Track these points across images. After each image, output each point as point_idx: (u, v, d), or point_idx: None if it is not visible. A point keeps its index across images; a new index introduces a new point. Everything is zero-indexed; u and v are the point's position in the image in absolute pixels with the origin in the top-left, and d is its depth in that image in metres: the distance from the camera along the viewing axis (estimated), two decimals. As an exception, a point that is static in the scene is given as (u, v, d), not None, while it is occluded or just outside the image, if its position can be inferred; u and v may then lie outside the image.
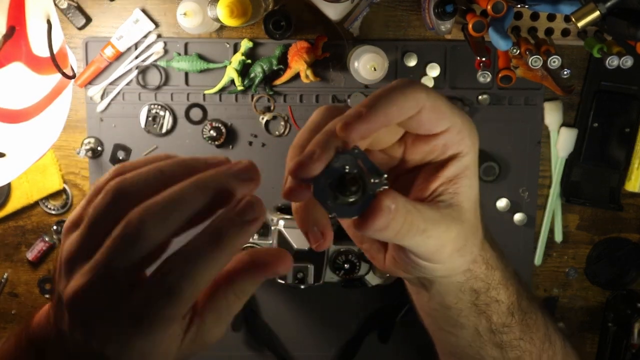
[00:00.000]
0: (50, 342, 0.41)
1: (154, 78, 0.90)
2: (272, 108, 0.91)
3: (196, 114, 0.91)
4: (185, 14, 0.81)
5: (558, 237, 0.94)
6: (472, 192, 0.43)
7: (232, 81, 0.88)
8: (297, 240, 0.82)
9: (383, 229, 0.37)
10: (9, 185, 0.91)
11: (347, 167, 0.36)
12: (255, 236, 0.86)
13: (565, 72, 0.76)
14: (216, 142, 0.90)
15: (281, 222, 0.83)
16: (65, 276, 0.38)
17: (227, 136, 0.90)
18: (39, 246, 0.93)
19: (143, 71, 0.89)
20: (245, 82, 0.88)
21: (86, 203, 0.40)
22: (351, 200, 0.35)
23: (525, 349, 0.57)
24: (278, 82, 0.89)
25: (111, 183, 0.37)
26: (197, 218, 0.37)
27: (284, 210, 0.84)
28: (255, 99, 0.90)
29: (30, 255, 0.94)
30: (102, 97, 0.89)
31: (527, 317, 0.56)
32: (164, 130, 0.90)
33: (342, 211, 0.36)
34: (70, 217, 0.40)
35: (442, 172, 0.42)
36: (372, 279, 0.86)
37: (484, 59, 0.76)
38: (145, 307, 0.36)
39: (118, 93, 0.90)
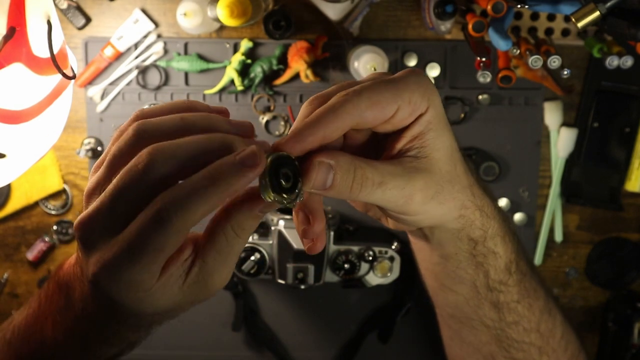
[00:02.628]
0: (75, 278, 0.44)
1: (154, 78, 0.90)
2: (272, 108, 0.91)
3: (196, 114, 0.91)
4: (185, 14, 0.81)
5: (558, 237, 0.94)
6: (441, 142, 0.44)
7: (232, 81, 0.88)
8: (297, 240, 0.83)
9: (329, 185, 0.41)
10: (9, 186, 0.91)
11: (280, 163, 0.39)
12: (255, 236, 0.86)
13: (565, 72, 0.76)
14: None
15: (281, 222, 0.83)
16: (85, 208, 0.40)
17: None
18: (39, 246, 0.93)
19: (143, 71, 0.89)
20: (245, 82, 0.88)
21: (110, 146, 0.41)
22: (289, 185, 0.39)
23: (523, 314, 0.58)
24: (278, 82, 0.89)
25: (134, 124, 0.39)
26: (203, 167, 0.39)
27: (284, 210, 0.85)
28: (255, 99, 0.90)
29: (30, 255, 0.94)
30: (102, 97, 0.89)
31: (526, 280, 0.57)
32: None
33: (288, 200, 0.39)
34: (97, 161, 0.42)
35: (406, 132, 0.44)
36: (372, 279, 0.87)
37: (484, 59, 0.76)
38: (136, 235, 0.37)
39: (118, 93, 0.90)
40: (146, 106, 0.89)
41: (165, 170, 0.37)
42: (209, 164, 0.38)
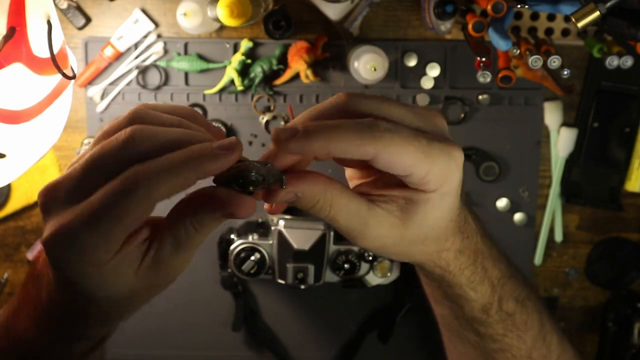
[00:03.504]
0: (44, 266, 0.43)
1: (154, 78, 0.90)
2: (272, 108, 0.91)
3: (196, 114, 0.91)
4: (185, 14, 0.81)
5: (558, 237, 0.94)
6: (433, 216, 0.43)
7: (232, 81, 0.88)
8: (297, 240, 0.83)
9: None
10: (9, 186, 0.91)
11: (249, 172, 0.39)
12: (256, 236, 0.86)
13: (565, 72, 0.76)
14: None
15: (281, 222, 0.83)
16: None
17: (227, 136, 0.90)
18: (39, 246, 0.93)
19: (143, 71, 0.89)
20: (245, 82, 0.88)
21: (101, 135, 0.40)
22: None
23: (511, 344, 0.58)
24: (278, 82, 0.89)
25: (133, 108, 0.40)
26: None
27: (284, 210, 0.84)
28: (255, 99, 0.90)
29: (31, 255, 0.94)
30: (102, 97, 0.89)
31: (514, 317, 0.56)
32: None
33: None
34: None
35: (402, 191, 0.42)
36: (372, 279, 0.86)
37: (484, 59, 0.76)
38: (98, 201, 0.36)
39: (118, 93, 0.90)
40: (153, 102, 0.89)
41: (142, 148, 0.37)
42: None
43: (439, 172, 0.40)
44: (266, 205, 0.43)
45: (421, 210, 0.42)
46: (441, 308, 0.62)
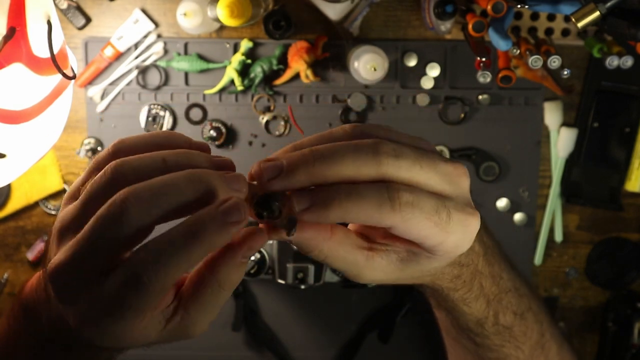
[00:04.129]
0: (40, 305, 0.42)
1: (154, 78, 0.90)
2: (272, 108, 0.91)
3: (196, 114, 0.91)
4: (185, 14, 0.81)
5: (558, 237, 0.94)
6: (424, 269, 0.42)
7: (232, 81, 0.88)
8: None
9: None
10: (9, 186, 0.91)
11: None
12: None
13: (565, 72, 0.76)
14: (216, 142, 0.90)
15: (281, 222, 0.83)
16: (56, 245, 0.38)
17: (227, 136, 0.90)
18: (39, 246, 0.93)
19: (143, 71, 0.89)
20: (245, 82, 0.88)
21: (85, 177, 0.40)
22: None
23: (508, 354, 0.58)
24: (278, 82, 0.89)
25: (112, 163, 0.38)
26: (183, 211, 0.37)
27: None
28: (255, 99, 0.90)
29: (31, 255, 0.94)
30: (102, 97, 0.89)
31: (511, 330, 0.56)
32: (164, 130, 0.90)
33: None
34: (69, 189, 0.41)
35: (406, 245, 0.41)
36: (372, 279, 0.86)
37: (484, 59, 0.76)
38: (114, 294, 0.36)
39: (118, 93, 0.90)
40: (145, 107, 0.89)
41: (140, 220, 0.36)
42: (189, 210, 0.36)
43: (451, 244, 0.39)
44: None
45: (421, 263, 0.41)
46: (439, 313, 0.62)
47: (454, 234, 0.39)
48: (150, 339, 0.40)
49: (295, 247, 0.40)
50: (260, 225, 0.39)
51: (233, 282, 0.39)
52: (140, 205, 0.35)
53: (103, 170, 0.37)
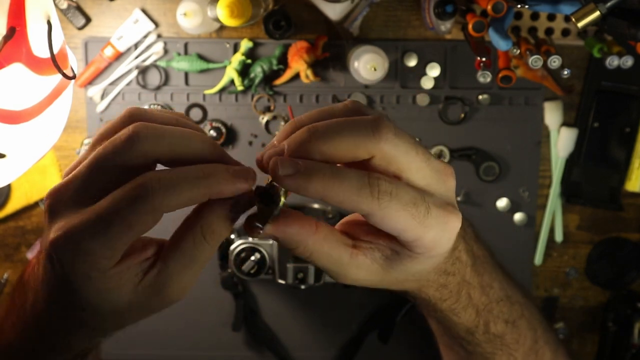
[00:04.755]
0: (33, 277, 0.42)
1: (154, 78, 0.90)
2: (272, 108, 0.91)
3: (196, 114, 0.91)
4: (185, 14, 0.81)
5: (558, 237, 0.94)
6: (407, 270, 0.42)
7: (232, 81, 0.88)
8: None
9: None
10: (9, 186, 0.91)
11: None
12: (256, 236, 0.86)
13: (565, 72, 0.76)
14: (216, 142, 0.90)
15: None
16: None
17: (227, 136, 0.90)
18: (39, 247, 0.93)
19: (143, 71, 0.89)
20: (245, 82, 0.88)
21: (92, 145, 0.39)
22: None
23: None
24: (278, 82, 0.89)
25: (129, 107, 0.39)
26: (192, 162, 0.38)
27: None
28: (255, 99, 0.90)
29: (31, 255, 0.94)
30: (102, 97, 0.89)
31: (503, 338, 0.56)
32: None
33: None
34: (70, 166, 0.40)
35: (390, 242, 0.41)
36: (372, 279, 0.86)
37: (484, 59, 0.76)
38: (108, 206, 0.35)
39: (118, 93, 0.90)
40: (146, 106, 0.89)
41: (148, 147, 0.36)
42: (196, 161, 0.37)
43: (429, 241, 0.39)
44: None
45: (404, 263, 0.41)
46: (431, 322, 0.62)
47: (432, 230, 0.39)
48: (125, 293, 0.39)
49: (282, 245, 0.40)
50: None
51: (216, 234, 0.39)
52: (149, 137, 0.36)
53: (125, 129, 0.37)
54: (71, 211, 0.37)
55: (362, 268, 0.41)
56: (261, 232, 0.39)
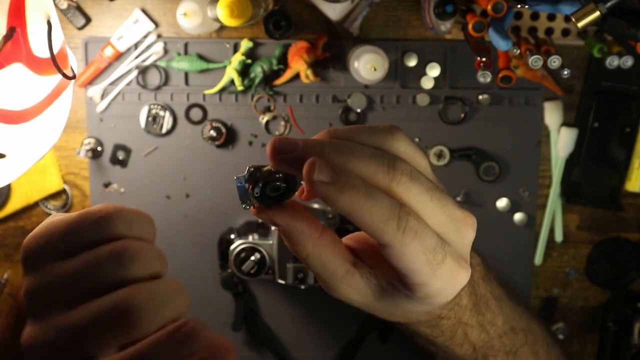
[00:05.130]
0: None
1: (154, 78, 0.90)
2: (272, 108, 0.91)
3: (196, 114, 0.91)
4: (185, 14, 0.81)
5: (558, 237, 0.94)
6: (397, 307, 0.41)
7: (232, 81, 0.88)
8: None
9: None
10: (9, 186, 0.91)
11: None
12: (256, 236, 0.86)
13: (565, 72, 0.76)
14: (216, 142, 0.90)
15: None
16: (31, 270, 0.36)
17: (227, 136, 0.90)
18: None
19: (143, 71, 0.89)
20: (245, 82, 0.88)
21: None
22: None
23: None
24: (278, 82, 0.89)
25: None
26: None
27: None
28: (255, 99, 0.90)
29: (31, 255, 0.94)
30: (102, 97, 0.89)
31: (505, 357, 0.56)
32: (164, 130, 0.90)
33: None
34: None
35: (390, 274, 0.40)
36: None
37: (484, 59, 0.76)
38: (85, 323, 0.34)
39: (118, 93, 0.90)
40: (145, 107, 0.89)
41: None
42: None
43: (433, 290, 0.38)
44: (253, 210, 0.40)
45: (396, 300, 0.40)
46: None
47: (440, 280, 0.37)
48: None
49: (282, 235, 0.39)
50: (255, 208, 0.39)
51: None
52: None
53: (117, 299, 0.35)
54: (48, 317, 0.35)
55: (354, 288, 0.40)
56: (266, 214, 0.38)
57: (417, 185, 0.37)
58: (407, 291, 0.39)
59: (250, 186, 0.38)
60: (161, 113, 0.90)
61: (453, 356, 0.52)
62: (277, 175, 0.38)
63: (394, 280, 0.39)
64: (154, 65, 0.89)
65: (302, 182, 0.39)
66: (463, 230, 0.39)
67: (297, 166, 0.36)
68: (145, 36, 0.88)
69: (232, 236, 0.87)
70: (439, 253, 0.37)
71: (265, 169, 0.38)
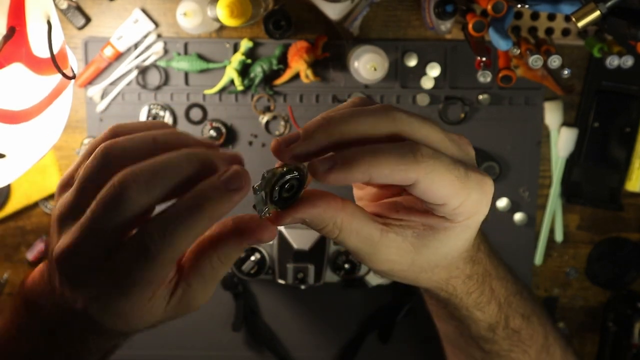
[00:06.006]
0: (44, 296, 0.42)
1: (153, 78, 0.90)
2: (272, 108, 0.90)
3: (196, 114, 0.91)
4: (185, 14, 0.81)
5: (558, 237, 0.94)
6: (447, 245, 0.41)
7: (232, 81, 0.88)
8: (298, 240, 0.83)
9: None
10: (9, 186, 0.91)
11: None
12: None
13: (565, 72, 0.76)
14: (216, 142, 0.90)
15: (281, 222, 0.83)
16: (56, 234, 0.39)
17: (227, 136, 0.90)
18: (39, 247, 0.93)
19: (143, 71, 0.89)
20: (245, 82, 0.88)
21: (78, 162, 0.40)
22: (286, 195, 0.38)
23: (516, 358, 0.58)
24: (278, 82, 0.89)
25: (101, 146, 0.38)
26: (183, 188, 0.37)
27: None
28: (255, 99, 0.90)
29: (30, 255, 0.94)
30: (102, 97, 0.89)
31: (520, 334, 0.56)
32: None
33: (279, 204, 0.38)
34: (62, 177, 0.41)
35: (422, 217, 0.40)
36: (373, 279, 0.86)
37: (484, 58, 0.76)
38: (124, 269, 0.36)
39: (118, 93, 0.90)
40: (145, 107, 0.89)
41: (140, 201, 0.36)
42: (189, 185, 0.36)
43: (472, 205, 0.39)
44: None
45: (438, 238, 0.40)
46: (445, 326, 0.61)
47: (473, 192, 0.38)
48: (156, 317, 0.40)
49: (309, 226, 0.39)
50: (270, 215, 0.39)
51: (233, 260, 0.40)
52: (139, 187, 0.36)
53: (94, 154, 0.38)
54: (90, 276, 0.38)
55: (392, 247, 0.40)
56: (287, 217, 0.38)
57: (415, 119, 0.38)
58: (445, 223, 0.39)
59: (267, 193, 0.37)
60: (161, 113, 0.90)
61: (479, 323, 0.52)
62: (288, 172, 0.37)
63: (429, 219, 0.40)
64: (153, 65, 0.89)
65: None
66: (466, 148, 0.40)
67: (305, 156, 0.37)
68: (145, 36, 0.88)
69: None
70: (461, 167, 0.38)
71: (276, 168, 0.38)
